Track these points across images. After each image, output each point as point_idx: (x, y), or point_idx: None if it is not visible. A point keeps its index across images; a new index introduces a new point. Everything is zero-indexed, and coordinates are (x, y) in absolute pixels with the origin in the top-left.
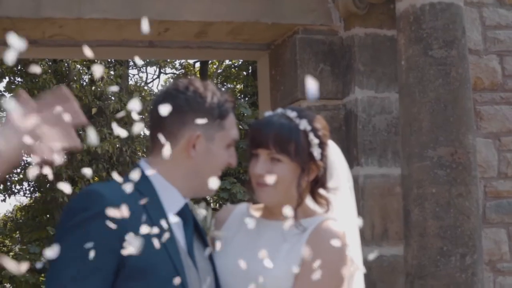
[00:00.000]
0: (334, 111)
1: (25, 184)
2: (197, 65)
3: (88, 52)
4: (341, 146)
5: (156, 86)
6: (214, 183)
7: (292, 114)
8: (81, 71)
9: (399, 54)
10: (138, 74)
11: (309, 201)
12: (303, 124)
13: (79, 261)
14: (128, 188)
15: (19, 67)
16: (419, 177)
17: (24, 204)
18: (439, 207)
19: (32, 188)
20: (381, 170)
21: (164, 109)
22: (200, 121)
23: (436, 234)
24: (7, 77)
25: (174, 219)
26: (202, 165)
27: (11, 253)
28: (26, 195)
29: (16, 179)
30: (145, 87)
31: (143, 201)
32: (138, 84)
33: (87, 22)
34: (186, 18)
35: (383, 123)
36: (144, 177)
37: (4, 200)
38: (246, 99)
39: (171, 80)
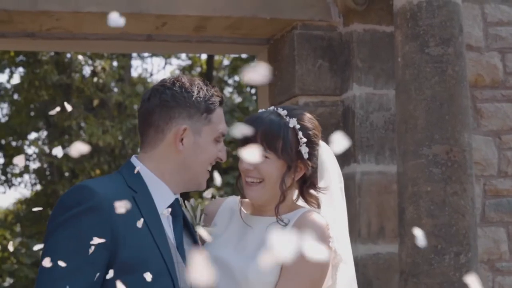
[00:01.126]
0: (332, 107)
1: (26, 176)
2: (204, 56)
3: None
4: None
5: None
6: (203, 177)
7: (283, 112)
8: (82, 63)
9: (396, 50)
10: (141, 65)
11: (300, 202)
12: (293, 122)
13: (71, 255)
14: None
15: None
16: (414, 175)
17: (25, 197)
18: (434, 205)
19: (33, 181)
20: (378, 167)
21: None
22: (186, 115)
23: (431, 232)
24: (8, 68)
25: (164, 214)
26: (191, 159)
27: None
28: (27, 187)
29: (17, 171)
30: (150, 79)
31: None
32: (143, 75)
33: (84, 16)
34: (184, 12)
35: (380, 120)
36: (135, 173)
37: (4, 193)
38: (253, 91)
39: (177, 72)
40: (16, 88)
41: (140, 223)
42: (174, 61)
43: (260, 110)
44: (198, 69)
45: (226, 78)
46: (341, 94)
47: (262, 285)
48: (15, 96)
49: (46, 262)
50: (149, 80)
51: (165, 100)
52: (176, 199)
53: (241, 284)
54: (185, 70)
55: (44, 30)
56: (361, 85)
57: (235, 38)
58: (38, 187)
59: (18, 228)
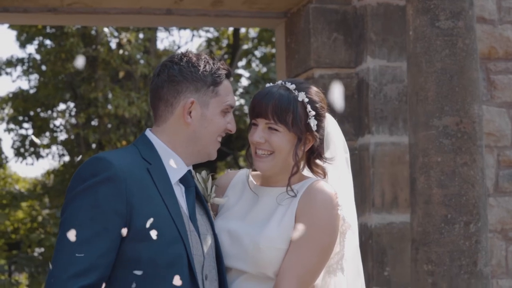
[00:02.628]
0: (347, 79)
1: (54, 148)
2: (230, 28)
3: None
4: (353, 114)
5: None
6: (213, 148)
7: (291, 86)
8: (108, 35)
9: (407, 24)
10: (168, 38)
11: (306, 171)
12: (301, 96)
13: (88, 223)
14: None
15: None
16: (425, 146)
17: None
18: (444, 175)
19: (60, 152)
20: (392, 138)
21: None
22: (193, 88)
23: (441, 202)
24: (36, 39)
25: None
26: (200, 131)
27: (40, 217)
28: (54, 159)
29: (45, 143)
30: (178, 51)
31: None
32: (171, 47)
33: None
34: None
35: (394, 91)
36: (149, 146)
37: (32, 164)
38: None
39: (205, 43)
40: (43, 60)
41: (148, 222)
42: (202, 33)
43: (267, 85)
44: (225, 41)
45: (252, 50)
46: (356, 67)
47: (273, 252)
48: (43, 68)
49: (65, 231)
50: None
51: (172, 75)
52: (189, 171)
53: (253, 252)
54: (212, 42)
55: (65, 5)
56: (375, 58)
57: (253, 12)
58: (66, 158)
59: (46, 199)
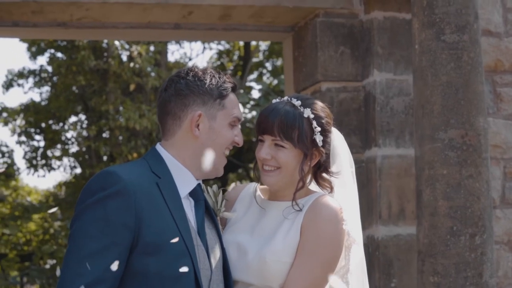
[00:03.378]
0: (354, 92)
1: (65, 160)
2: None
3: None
4: (360, 127)
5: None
6: (220, 162)
7: (297, 102)
8: (119, 48)
9: (413, 38)
10: (178, 50)
11: (313, 185)
12: (307, 112)
13: (97, 236)
14: None
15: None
16: (431, 158)
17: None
18: (449, 187)
19: (72, 164)
20: (399, 150)
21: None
22: (200, 102)
23: (447, 214)
24: (48, 52)
25: (185, 199)
26: (208, 144)
27: (51, 229)
28: (66, 171)
29: (57, 155)
30: (189, 63)
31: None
32: (182, 60)
33: (112, 6)
34: (209, 1)
35: (400, 105)
36: (159, 159)
37: (44, 176)
38: None
39: (216, 56)
40: (54, 72)
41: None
42: (213, 45)
43: (274, 101)
44: (237, 54)
45: (264, 61)
46: (362, 80)
47: (278, 265)
48: (54, 79)
49: (74, 243)
50: (189, 64)
51: (179, 89)
52: (199, 184)
53: (258, 266)
54: (223, 54)
55: (74, 20)
56: (382, 71)
57: (260, 25)
58: (77, 170)
59: (58, 210)
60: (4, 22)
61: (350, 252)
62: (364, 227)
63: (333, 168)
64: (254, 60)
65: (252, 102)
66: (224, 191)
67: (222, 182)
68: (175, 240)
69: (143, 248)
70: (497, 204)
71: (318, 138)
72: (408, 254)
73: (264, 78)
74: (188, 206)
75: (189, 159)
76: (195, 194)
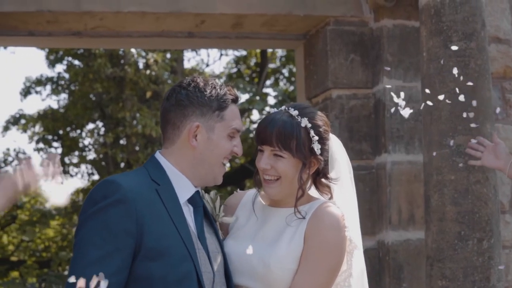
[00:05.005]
0: (364, 99)
1: (83, 166)
2: None
3: None
4: (370, 134)
5: (218, 69)
6: (219, 172)
7: (294, 112)
8: (135, 56)
9: (421, 45)
10: (194, 57)
11: (312, 189)
12: (304, 122)
13: (100, 244)
14: None
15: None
16: (439, 164)
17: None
18: (457, 193)
19: (89, 171)
20: (408, 157)
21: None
22: (199, 113)
23: (454, 219)
24: (65, 60)
25: (184, 205)
26: (205, 154)
27: (70, 235)
28: (84, 178)
29: (74, 161)
30: (206, 69)
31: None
32: (198, 67)
33: (126, 15)
34: (221, 10)
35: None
36: (158, 167)
37: (62, 183)
38: None
39: (232, 62)
40: (71, 80)
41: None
42: (230, 51)
43: (272, 111)
44: (253, 60)
45: (280, 68)
46: (372, 87)
47: (282, 271)
48: (72, 87)
49: (78, 251)
50: (206, 70)
51: (180, 99)
52: (197, 191)
53: (262, 272)
54: (240, 60)
55: (89, 29)
56: (391, 78)
57: (272, 34)
58: (95, 177)
59: (75, 217)
60: (20, 31)
61: (352, 257)
62: (374, 232)
63: (332, 174)
64: (271, 66)
65: (267, 109)
66: (221, 197)
67: (240, 187)
68: (177, 244)
69: (145, 253)
70: (506, 209)
71: (316, 147)
72: (417, 259)
73: (281, 84)
74: (188, 212)
75: (187, 168)
76: (194, 200)
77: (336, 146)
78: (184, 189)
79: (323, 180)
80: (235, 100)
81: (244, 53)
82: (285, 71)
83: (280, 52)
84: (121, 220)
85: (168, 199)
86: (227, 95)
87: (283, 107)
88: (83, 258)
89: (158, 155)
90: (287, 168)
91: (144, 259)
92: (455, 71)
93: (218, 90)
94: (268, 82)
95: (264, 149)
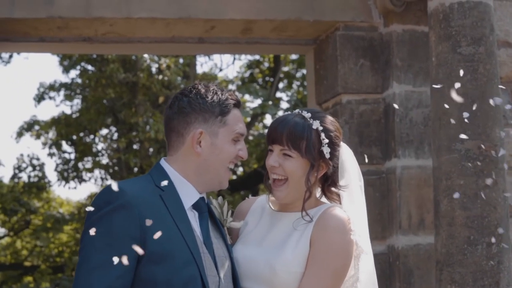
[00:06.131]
0: (374, 104)
1: (96, 171)
2: None
3: None
4: (380, 139)
5: (231, 73)
6: (224, 176)
7: (307, 114)
8: (148, 61)
9: (430, 50)
10: (206, 62)
11: (322, 198)
12: (316, 124)
13: (105, 249)
14: None
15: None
16: (448, 169)
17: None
18: (466, 198)
19: (103, 176)
20: (418, 161)
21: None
22: (201, 119)
23: (464, 223)
24: (79, 65)
25: (189, 211)
26: (210, 160)
27: None
28: (97, 182)
29: (88, 167)
30: (219, 74)
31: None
32: (211, 71)
33: (136, 21)
34: (231, 16)
35: (420, 116)
36: (163, 174)
37: (75, 188)
38: None
39: (245, 66)
40: (84, 85)
41: (157, 235)
42: (242, 55)
43: (286, 113)
44: (266, 64)
45: (293, 71)
46: (382, 92)
47: (288, 275)
48: (85, 92)
49: (84, 256)
50: (219, 75)
51: (182, 107)
52: (202, 198)
53: (269, 275)
54: (253, 65)
55: (100, 35)
56: (401, 83)
57: (282, 39)
58: (108, 182)
59: None
60: (31, 37)
61: (359, 262)
62: (384, 237)
63: (341, 182)
64: (285, 69)
65: (280, 113)
66: (234, 202)
67: (253, 192)
68: (181, 248)
69: (149, 257)
70: None
71: (326, 150)
72: (428, 263)
73: (294, 86)
74: (193, 217)
75: (192, 174)
76: (198, 206)
77: (346, 154)
78: (188, 195)
79: (332, 188)
80: (237, 104)
81: (257, 57)
82: (298, 75)
83: (293, 55)
84: (125, 225)
85: (172, 204)
86: (229, 100)
87: (296, 110)
88: (88, 262)
89: (163, 162)
90: (295, 168)
91: (148, 263)
92: (464, 75)
93: (220, 95)
94: (281, 85)
95: (274, 148)
